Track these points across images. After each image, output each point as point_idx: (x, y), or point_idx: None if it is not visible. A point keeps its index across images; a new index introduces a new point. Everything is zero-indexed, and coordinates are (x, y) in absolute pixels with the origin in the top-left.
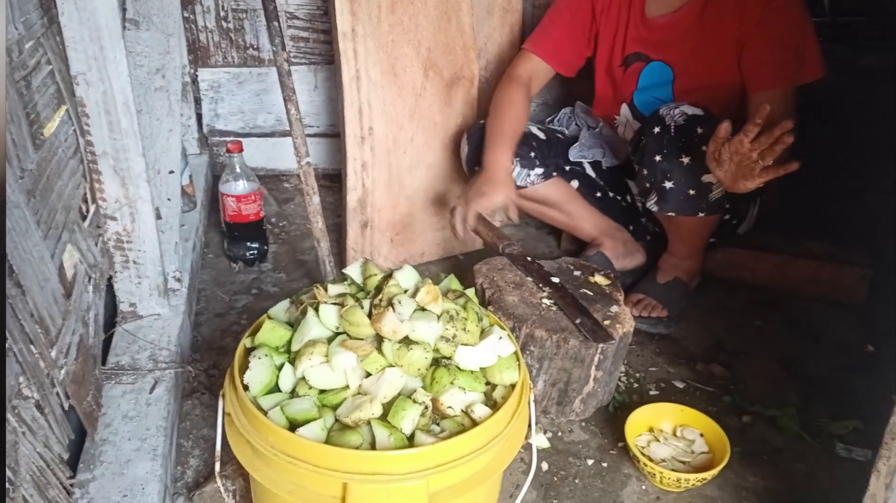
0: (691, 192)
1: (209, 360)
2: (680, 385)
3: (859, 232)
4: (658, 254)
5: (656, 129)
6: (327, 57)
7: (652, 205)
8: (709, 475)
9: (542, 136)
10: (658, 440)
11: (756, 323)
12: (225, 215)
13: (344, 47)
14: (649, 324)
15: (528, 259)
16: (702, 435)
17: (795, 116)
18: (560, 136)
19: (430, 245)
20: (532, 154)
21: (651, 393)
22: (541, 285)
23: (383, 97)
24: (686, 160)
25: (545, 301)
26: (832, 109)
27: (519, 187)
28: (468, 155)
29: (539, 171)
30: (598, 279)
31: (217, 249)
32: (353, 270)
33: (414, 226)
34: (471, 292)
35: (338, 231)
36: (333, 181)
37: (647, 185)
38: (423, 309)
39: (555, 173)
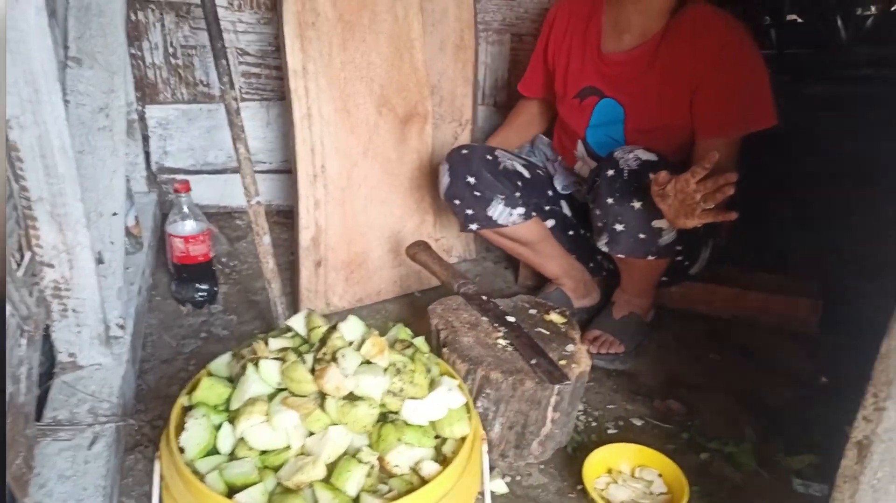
0: (641, 235)
1: (154, 411)
2: (638, 423)
3: (810, 261)
4: (613, 290)
5: (610, 172)
6: (280, 93)
7: (603, 245)
8: None
9: (527, 174)
10: (617, 482)
11: (711, 356)
12: (172, 256)
13: (295, 85)
14: (606, 361)
15: (484, 298)
16: (660, 475)
17: (740, 164)
18: (540, 172)
19: (386, 283)
20: (517, 194)
21: (609, 431)
22: (496, 325)
23: (336, 135)
24: (638, 205)
25: (501, 341)
26: (780, 140)
27: (499, 225)
28: (448, 187)
29: (521, 210)
30: (554, 317)
31: (165, 291)
32: (296, 322)
33: (369, 263)
34: (420, 341)
35: (292, 269)
36: (288, 217)
37: (600, 225)
38: (369, 362)
39: (534, 213)
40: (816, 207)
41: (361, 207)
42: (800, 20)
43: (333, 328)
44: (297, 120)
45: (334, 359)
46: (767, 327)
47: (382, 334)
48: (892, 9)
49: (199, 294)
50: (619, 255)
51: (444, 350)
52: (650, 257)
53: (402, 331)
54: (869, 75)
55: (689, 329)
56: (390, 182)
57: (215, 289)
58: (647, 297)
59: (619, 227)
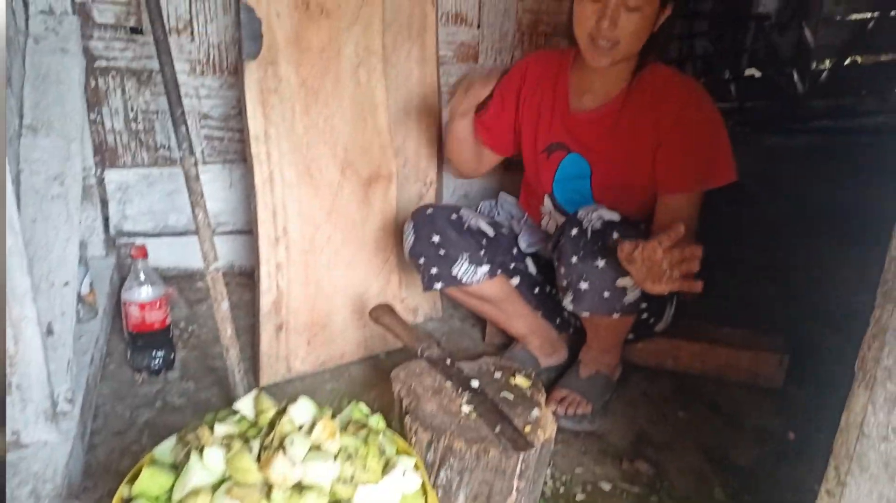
0: (606, 294)
1: (104, 487)
2: (606, 487)
3: (775, 312)
4: (580, 347)
5: (574, 231)
6: (242, 155)
7: (568, 303)
8: None
9: (491, 232)
10: None
11: (679, 413)
12: (128, 324)
13: (257, 151)
14: (574, 422)
15: (448, 362)
16: None
17: (702, 218)
18: (505, 231)
19: (350, 345)
20: (482, 252)
21: (578, 497)
22: (460, 390)
23: (299, 198)
24: (601, 263)
25: (465, 408)
26: (744, 190)
27: (464, 284)
28: (412, 245)
29: (486, 269)
30: (520, 380)
31: (120, 358)
32: (244, 404)
33: (333, 326)
34: (376, 419)
35: (253, 332)
36: (251, 278)
37: (565, 283)
38: (319, 447)
39: (499, 271)
40: (781, 257)
41: (325, 270)
42: (758, 74)
43: (283, 411)
44: (259, 184)
45: (282, 445)
46: (735, 382)
47: (338, 412)
48: (845, 63)
49: (155, 361)
50: (585, 314)
51: (407, 418)
52: (615, 315)
53: (357, 410)
54: (825, 126)
55: (657, 385)
56: (354, 243)
57: (172, 355)
58: (613, 355)
59: (583, 286)
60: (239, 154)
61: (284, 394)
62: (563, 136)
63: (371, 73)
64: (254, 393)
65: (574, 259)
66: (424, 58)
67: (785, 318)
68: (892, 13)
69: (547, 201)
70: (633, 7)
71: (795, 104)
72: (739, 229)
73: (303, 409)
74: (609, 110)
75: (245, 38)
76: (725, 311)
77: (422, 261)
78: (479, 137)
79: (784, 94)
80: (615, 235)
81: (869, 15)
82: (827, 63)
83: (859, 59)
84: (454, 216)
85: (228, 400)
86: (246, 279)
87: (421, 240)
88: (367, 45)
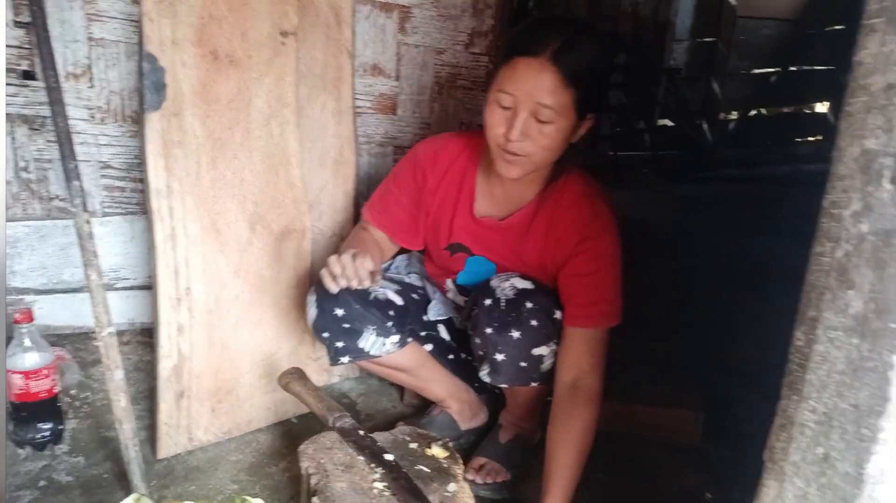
0: (523, 363)
1: None
2: None
3: (692, 368)
4: (501, 405)
5: (487, 302)
6: (145, 206)
7: (485, 376)
8: None
9: (399, 301)
10: None
11: (599, 475)
12: (10, 394)
13: (157, 205)
14: (493, 490)
15: (361, 433)
16: None
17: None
18: (415, 296)
19: (258, 410)
20: (389, 323)
21: None
22: (373, 465)
23: (203, 255)
24: (517, 334)
25: (377, 485)
26: (656, 238)
27: (373, 356)
28: (315, 319)
29: (395, 339)
30: (436, 451)
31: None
32: None
33: (239, 391)
34: None
35: (153, 398)
36: (153, 337)
37: (481, 353)
38: None
39: (410, 339)
40: (696, 310)
41: (231, 331)
42: (671, 124)
43: None
44: (160, 241)
45: None
46: (654, 441)
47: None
48: (750, 114)
49: (42, 435)
50: (503, 386)
51: (315, 500)
52: (532, 384)
53: None
54: (733, 174)
55: None
56: (264, 302)
57: (60, 427)
58: (533, 419)
59: (499, 357)
60: (142, 206)
61: (186, 466)
62: (465, 239)
63: (284, 125)
64: (133, 497)
65: (489, 330)
66: (340, 109)
67: (701, 374)
68: (792, 68)
69: (450, 284)
70: (545, 120)
71: (705, 154)
72: (655, 283)
73: None
74: (520, 219)
75: (147, 89)
76: (640, 367)
77: (326, 335)
78: (385, 234)
79: (695, 144)
80: (528, 305)
81: (771, 70)
82: (734, 114)
83: (764, 111)
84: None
85: (122, 477)
86: (148, 337)
87: (324, 314)
88: (279, 97)
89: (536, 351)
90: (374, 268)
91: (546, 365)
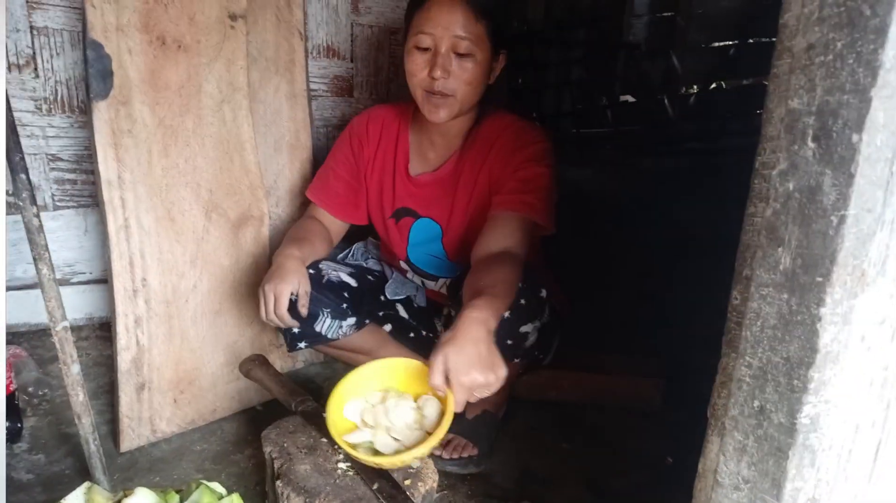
0: (509, 341)
1: None
2: None
3: (653, 336)
4: None
5: None
6: (97, 199)
7: None
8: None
9: (354, 283)
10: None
11: (563, 444)
12: None
13: (109, 196)
14: (460, 465)
15: (324, 416)
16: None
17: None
18: (371, 278)
19: (222, 399)
20: (344, 305)
21: None
22: (336, 447)
23: (159, 245)
24: (507, 314)
25: (341, 465)
26: (620, 212)
27: (330, 340)
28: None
29: (352, 321)
30: None
31: None
32: (75, 499)
33: (202, 381)
34: (232, 500)
35: (114, 392)
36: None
37: None
38: None
39: (367, 320)
40: (657, 280)
41: (190, 321)
42: (632, 100)
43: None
44: (113, 232)
45: None
46: (615, 407)
47: (187, 496)
48: (710, 88)
49: None
50: None
51: (278, 483)
52: (515, 360)
53: (207, 495)
54: (695, 148)
55: (541, 417)
56: (223, 290)
57: (19, 425)
58: (502, 394)
59: None
60: (94, 198)
61: (150, 458)
62: (408, 201)
63: (236, 110)
64: (85, 486)
65: None
66: (294, 93)
67: (662, 341)
68: (751, 41)
69: (405, 265)
70: (464, 53)
71: (667, 128)
72: (616, 253)
73: (142, 501)
74: (447, 169)
75: (93, 77)
76: (604, 337)
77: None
78: (327, 211)
79: (656, 119)
80: (520, 285)
81: (730, 42)
82: (694, 88)
83: (724, 84)
84: (312, 271)
85: (83, 472)
86: (107, 332)
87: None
88: (230, 82)
89: (524, 328)
90: (300, 291)
91: (530, 341)
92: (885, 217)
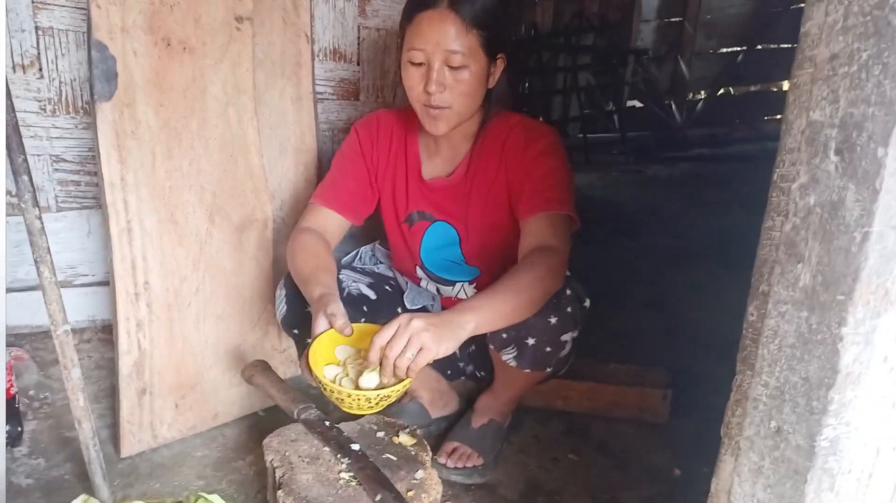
0: (548, 349)
1: None
2: None
3: (660, 345)
4: (470, 393)
5: None
6: (100, 200)
7: (511, 359)
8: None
9: (373, 296)
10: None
11: (570, 455)
12: None
13: (112, 198)
14: (464, 475)
15: (326, 424)
16: None
17: (569, 241)
18: (388, 288)
19: (224, 405)
20: (362, 320)
21: None
22: (339, 456)
23: (161, 248)
24: (554, 320)
25: (344, 475)
26: (626, 220)
27: None
28: (285, 316)
29: None
30: (404, 439)
31: None
32: None
33: (203, 386)
34: None
35: (115, 396)
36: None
37: (506, 337)
38: None
39: None
40: (665, 288)
41: (193, 325)
42: (639, 105)
43: None
44: (115, 235)
45: None
46: (622, 418)
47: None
48: (718, 94)
49: None
50: (525, 370)
51: (280, 493)
52: (548, 369)
53: None
54: (702, 154)
55: (548, 427)
56: (226, 294)
57: (19, 428)
58: (512, 405)
59: (531, 341)
60: (98, 199)
61: (150, 464)
62: (422, 204)
63: (241, 112)
64: (80, 500)
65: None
66: (300, 95)
67: (670, 351)
68: (759, 47)
69: (419, 271)
70: (457, 66)
71: (674, 134)
72: (625, 261)
73: None
74: (460, 174)
75: (97, 78)
76: (612, 347)
77: (296, 332)
78: (336, 213)
79: (663, 124)
80: (567, 292)
81: (738, 49)
82: (702, 94)
83: (731, 90)
84: None
85: (83, 477)
86: (109, 334)
87: (294, 310)
88: (235, 84)
89: (564, 337)
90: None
91: (566, 350)
92: None
